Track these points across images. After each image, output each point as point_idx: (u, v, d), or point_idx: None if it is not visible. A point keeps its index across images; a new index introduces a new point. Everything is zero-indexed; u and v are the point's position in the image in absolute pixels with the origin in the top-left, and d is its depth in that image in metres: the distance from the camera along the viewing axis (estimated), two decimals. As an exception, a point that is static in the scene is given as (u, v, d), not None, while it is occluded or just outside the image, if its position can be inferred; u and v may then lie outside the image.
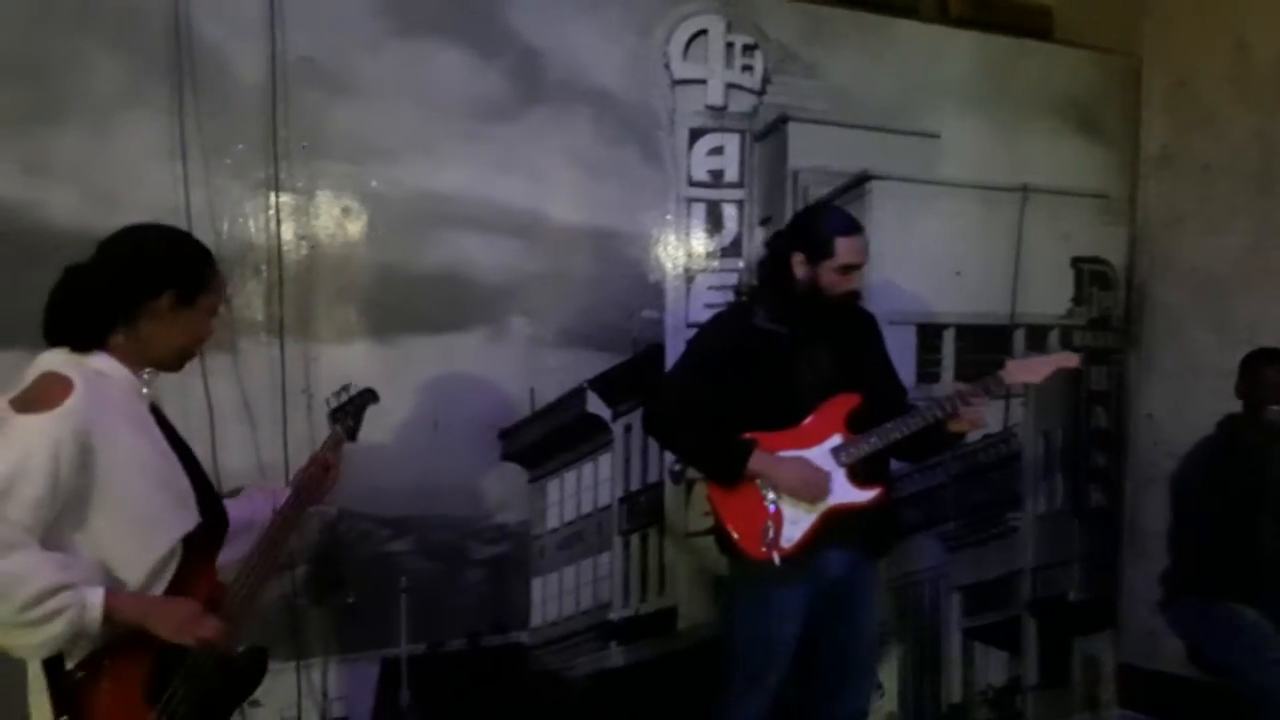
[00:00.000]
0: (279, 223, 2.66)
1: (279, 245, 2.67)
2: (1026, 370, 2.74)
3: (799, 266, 2.69)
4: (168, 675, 1.80)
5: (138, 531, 1.81)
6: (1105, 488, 4.18)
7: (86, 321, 1.82)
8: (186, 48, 2.50)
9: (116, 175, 2.46)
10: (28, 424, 1.70)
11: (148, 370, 1.89)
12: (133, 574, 1.81)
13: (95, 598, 1.71)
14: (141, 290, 1.84)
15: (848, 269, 2.66)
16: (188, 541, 1.86)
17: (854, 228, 2.69)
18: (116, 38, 2.45)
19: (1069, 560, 4.09)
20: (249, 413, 2.65)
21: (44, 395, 1.72)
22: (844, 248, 2.65)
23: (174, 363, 1.94)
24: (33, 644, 1.70)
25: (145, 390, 1.88)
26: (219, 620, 1.83)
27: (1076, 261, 4.02)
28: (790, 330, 2.71)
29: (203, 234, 2.51)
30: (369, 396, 2.31)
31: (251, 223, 2.64)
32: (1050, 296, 3.97)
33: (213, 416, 2.57)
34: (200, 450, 2.12)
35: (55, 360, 1.79)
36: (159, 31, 2.48)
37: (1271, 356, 3.31)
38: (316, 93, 2.67)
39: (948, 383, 3.65)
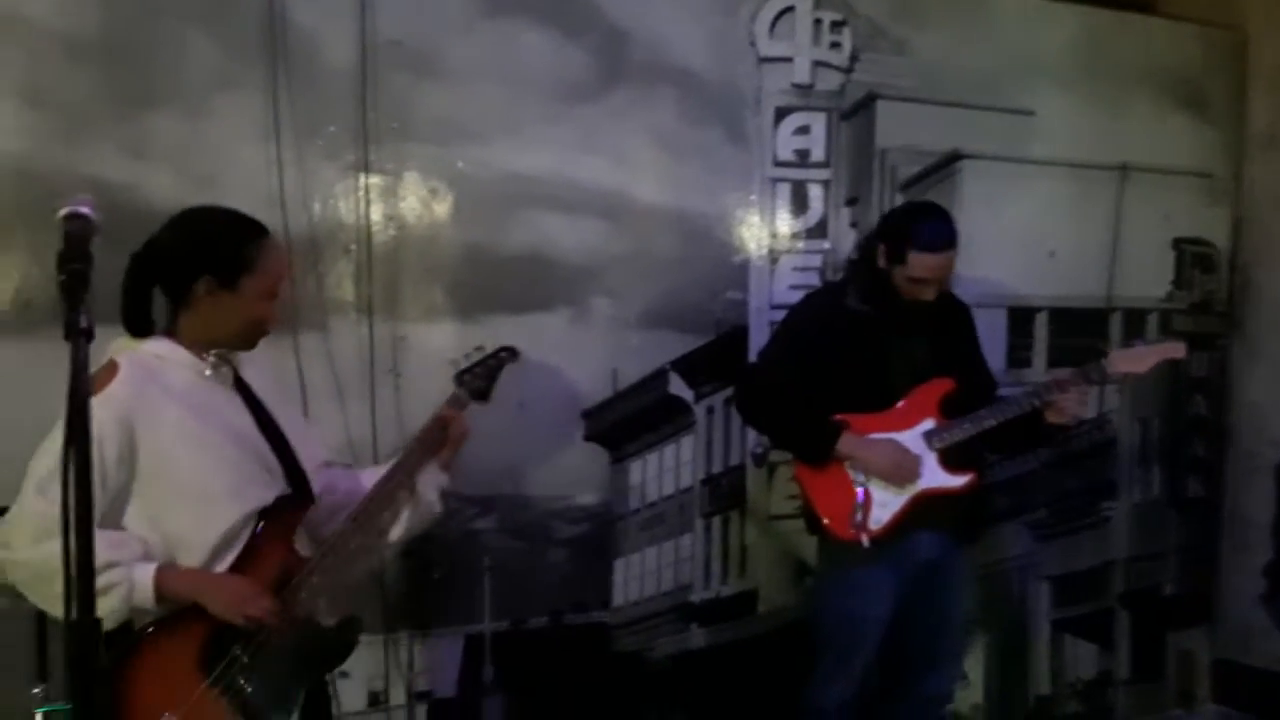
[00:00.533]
0: (368, 204, 2.70)
1: (368, 226, 2.71)
2: (1131, 360, 2.66)
3: (881, 257, 2.66)
4: (226, 643, 1.83)
5: (194, 508, 1.85)
6: (1204, 477, 4.02)
7: (134, 309, 1.87)
8: (281, 31, 2.55)
9: (213, 158, 2.52)
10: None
11: (214, 351, 1.92)
12: (194, 549, 1.85)
13: (145, 575, 1.77)
14: (177, 277, 1.88)
15: (918, 281, 2.60)
16: (264, 515, 1.89)
17: (936, 245, 2.58)
18: (213, 22, 2.51)
19: (1164, 552, 3.96)
20: (339, 390, 2.70)
21: (102, 378, 1.78)
22: (916, 262, 2.58)
23: (239, 344, 1.95)
24: None
25: (208, 372, 1.91)
26: (271, 600, 1.84)
27: (1178, 243, 3.87)
28: (883, 313, 2.67)
29: (295, 215, 2.60)
30: (506, 356, 2.24)
31: (342, 204, 2.69)
32: (1149, 279, 3.83)
33: (305, 394, 2.62)
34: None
35: (116, 347, 1.87)
36: (254, 15, 2.53)
37: None
38: (405, 75, 2.70)
39: (1039, 368, 3.56)
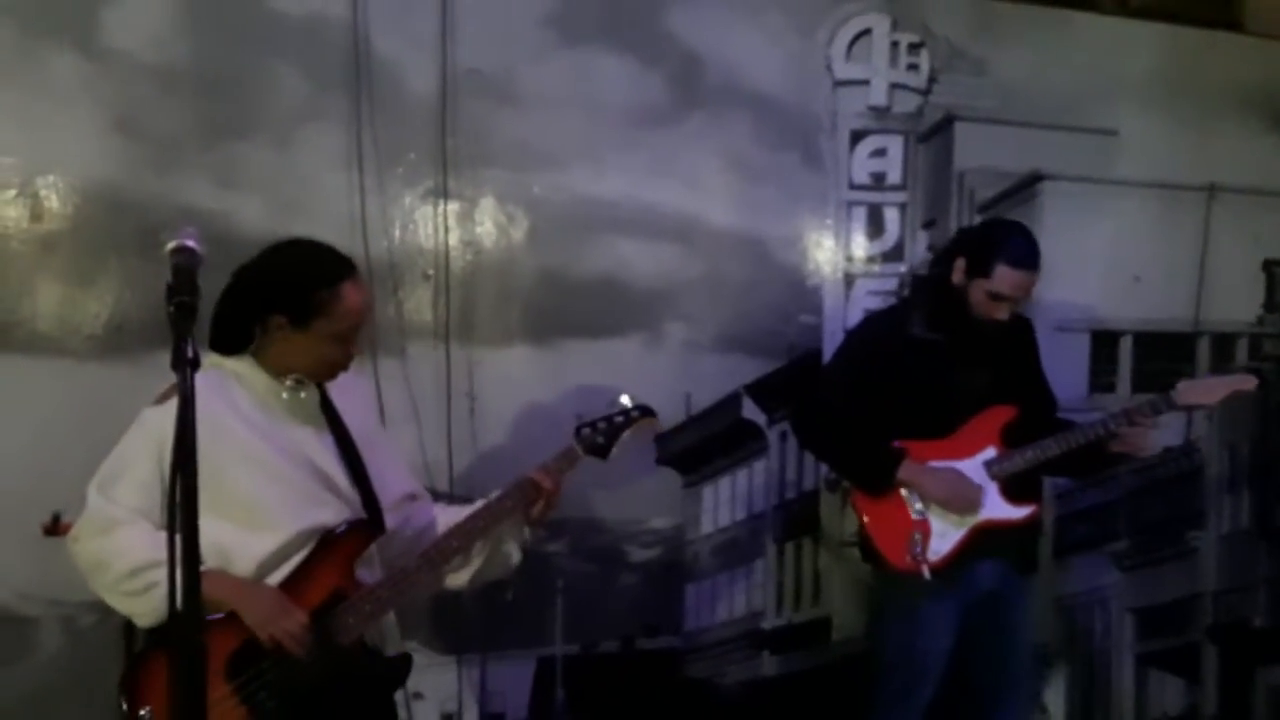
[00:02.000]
0: (446, 229, 2.74)
1: (446, 251, 2.75)
2: (1200, 391, 2.60)
3: (958, 272, 2.60)
4: (258, 655, 1.84)
5: (245, 521, 1.88)
6: (1296, 508, 3.88)
7: (221, 330, 1.93)
8: (364, 62, 2.61)
9: (298, 185, 2.59)
10: (144, 416, 1.86)
11: (293, 376, 1.94)
12: (242, 561, 1.88)
13: None
14: (254, 310, 1.91)
15: (999, 298, 2.54)
16: (325, 537, 1.91)
17: (1023, 261, 2.54)
18: (299, 53, 2.58)
19: (1254, 584, 3.81)
20: (416, 414, 2.74)
21: (167, 392, 1.81)
22: (1002, 277, 2.52)
23: (312, 376, 1.97)
24: (135, 613, 1.84)
25: (285, 395, 1.94)
26: (300, 623, 1.84)
27: (1269, 265, 3.74)
28: (945, 339, 2.62)
29: (375, 241, 2.65)
30: (637, 416, 2.12)
31: (421, 230, 2.74)
32: (1238, 303, 3.71)
33: (383, 417, 2.66)
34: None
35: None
36: (339, 46, 2.60)
37: None
38: (483, 103, 2.74)
39: (1123, 394, 3.46)
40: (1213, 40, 3.62)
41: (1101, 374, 3.47)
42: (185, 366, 1.31)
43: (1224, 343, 3.65)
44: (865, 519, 2.66)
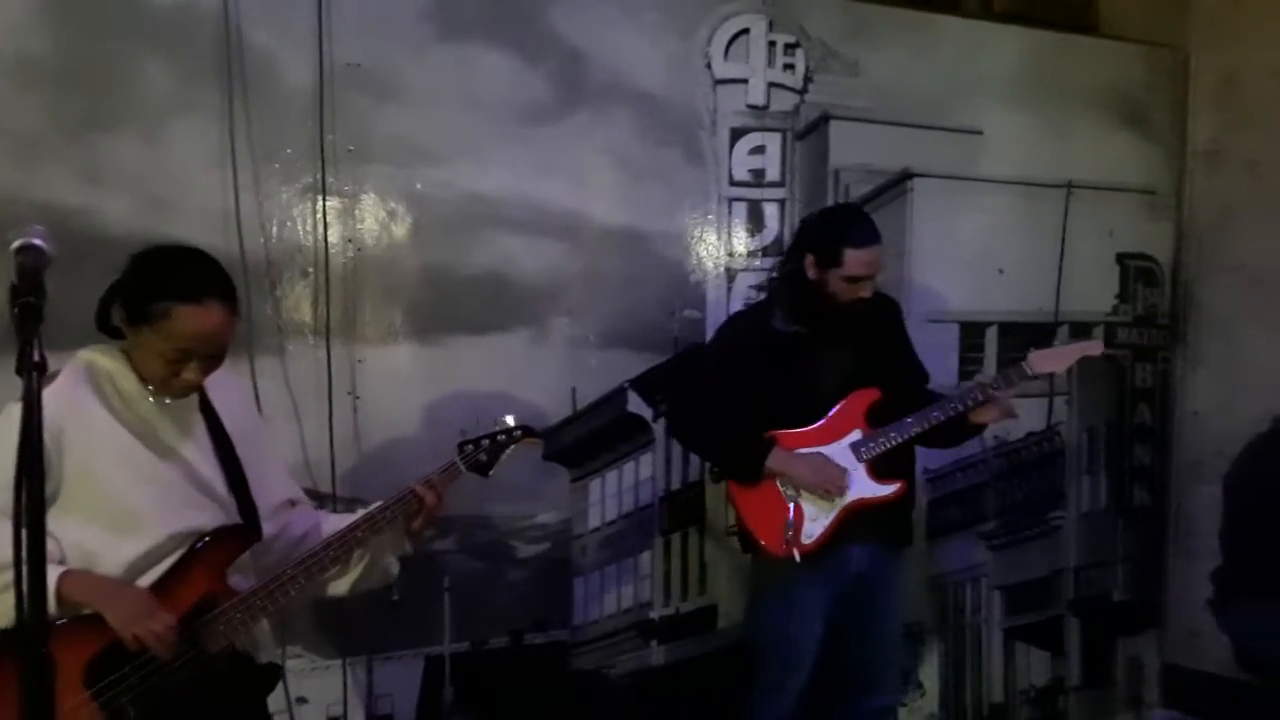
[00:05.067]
0: (325, 226, 2.70)
1: (325, 248, 2.70)
2: (1050, 360, 2.72)
3: (810, 268, 2.68)
4: (121, 660, 1.80)
5: (113, 523, 1.83)
6: (1149, 486, 4.13)
7: (99, 312, 1.88)
8: (237, 55, 2.54)
9: (169, 181, 2.50)
10: (8, 412, 1.73)
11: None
12: (110, 564, 1.83)
13: (50, 576, 1.73)
14: (109, 296, 1.87)
15: (855, 280, 2.64)
16: (197, 542, 1.87)
17: (866, 240, 2.64)
18: (168, 45, 2.49)
19: (1112, 559, 4.05)
20: (297, 413, 2.69)
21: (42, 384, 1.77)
22: (852, 260, 2.61)
23: (157, 385, 1.88)
24: None
25: (150, 400, 1.89)
26: (166, 625, 1.80)
27: (1122, 258, 3.98)
28: (808, 330, 2.71)
29: (251, 238, 2.59)
30: (520, 435, 2.12)
31: (299, 226, 2.68)
32: (1095, 293, 3.93)
33: (261, 416, 2.61)
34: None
35: (78, 355, 1.87)
36: (210, 39, 2.52)
37: None
38: (363, 98, 2.70)
39: (990, 381, 3.62)
40: (1070, 43, 3.81)
41: (970, 362, 3.63)
42: (30, 371, 1.27)
43: (1082, 331, 3.86)
44: (741, 508, 2.74)
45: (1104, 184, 3.88)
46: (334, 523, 2.07)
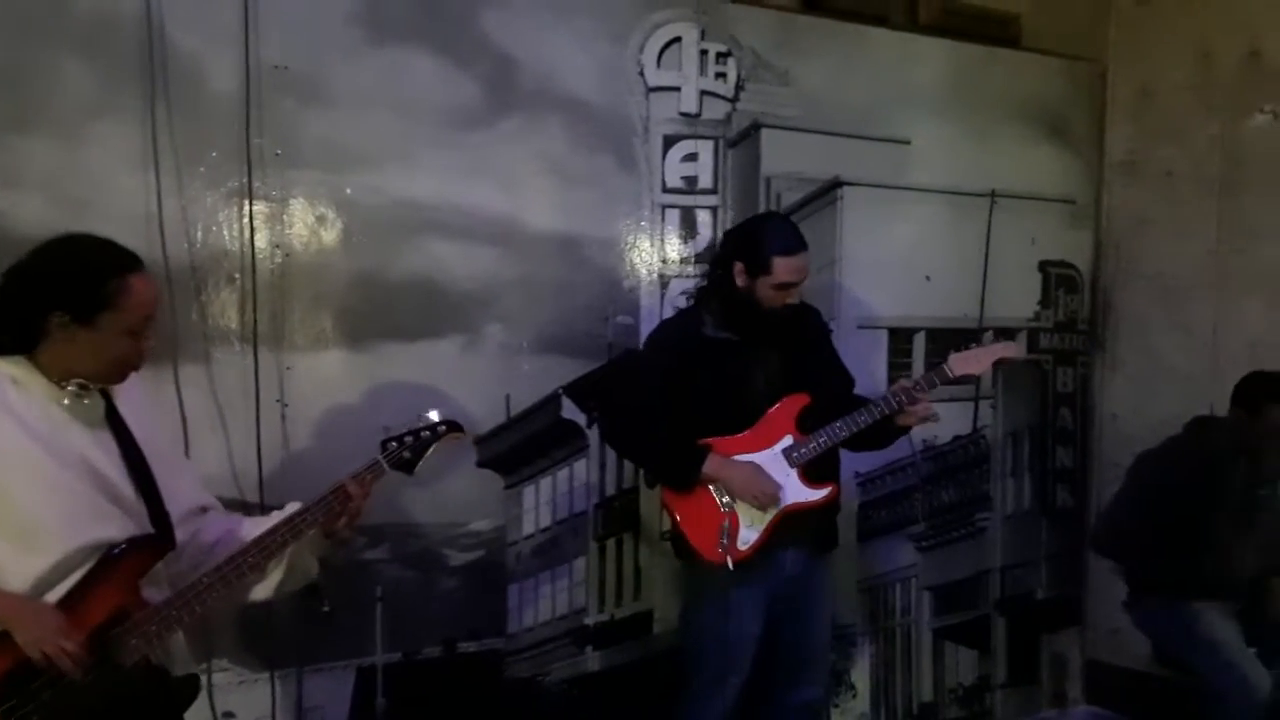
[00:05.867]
0: (253, 231, 2.65)
1: (252, 254, 2.66)
2: (970, 361, 2.79)
3: (739, 276, 2.72)
4: (32, 677, 1.75)
5: (19, 536, 1.79)
6: (1071, 487, 4.25)
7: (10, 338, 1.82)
8: (159, 56, 2.49)
9: (88, 184, 2.44)
10: None
11: (75, 381, 1.85)
12: (16, 578, 1.79)
13: None
14: (31, 309, 1.81)
15: (784, 287, 2.68)
16: (107, 554, 1.82)
17: (794, 247, 2.69)
18: (88, 46, 2.43)
19: (1036, 559, 4.15)
20: (223, 421, 2.64)
21: None
22: (781, 267, 2.66)
23: (100, 379, 1.88)
24: None
25: (66, 401, 1.84)
26: (76, 642, 1.76)
27: (1043, 265, 4.09)
28: (738, 337, 2.74)
29: (175, 243, 2.54)
30: (444, 431, 2.07)
31: (225, 231, 2.63)
32: (1018, 300, 4.03)
33: (186, 426, 2.56)
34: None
35: None
36: (131, 40, 2.47)
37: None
38: (290, 101, 2.66)
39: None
40: (994, 56, 3.91)
41: (899, 367, 3.70)
42: None
43: (1006, 336, 3.93)
44: (676, 516, 2.75)
45: (1026, 193, 3.99)
46: (252, 526, 2.03)
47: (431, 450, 2.08)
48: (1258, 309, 3.74)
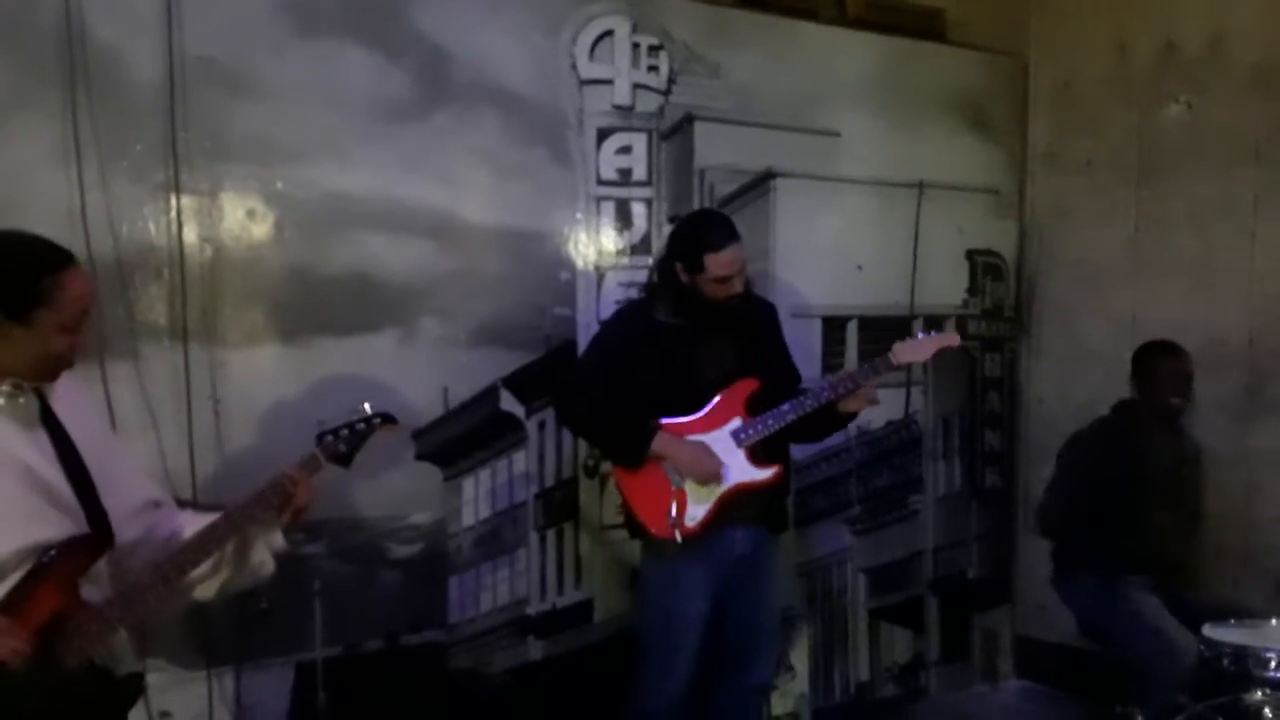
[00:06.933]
0: (180, 225, 2.62)
1: (180, 248, 2.62)
2: (912, 351, 2.86)
3: (681, 274, 2.79)
4: None
5: None
6: (1000, 469, 4.36)
7: None
8: (79, 48, 2.44)
9: (7, 180, 2.39)
10: None
11: (10, 381, 1.82)
12: None
13: None
14: None
15: (722, 280, 2.75)
16: (44, 555, 1.80)
17: (721, 242, 2.73)
18: (3, 38, 2.38)
19: (967, 539, 4.27)
20: (153, 420, 2.60)
21: None
22: (714, 264, 2.72)
23: (34, 377, 1.85)
24: None
25: (2, 401, 1.82)
26: (21, 642, 1.74)
27: (970, 254, 4.19)
28: (690, 323, 2.80)
29: (99, 238, 2.49)
30: (379, 423, 2.07)
31: (152, 225, 2.59)
32: (946, 288, 4.13)
33: (115, 425, 2.51)
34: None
35: None
36: (49, 32, 2.42)
37: (1163, 349, 3.49)
38: (218, 93, 2.63)
39: (851, 373, 3.76)
40: (920, 50, 3.99)
41: (833, 354, 3.77)
42: None
43: (935, 324, 4.03)
44: (627, 493, 2.80)
45: (953, 184, 4.08)
46: (191, 522, 2.00)
47: (367, 443, 2.08)
48: (1174, 294, 3.87)
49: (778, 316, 3.06)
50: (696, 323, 2.80)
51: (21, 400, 1.84)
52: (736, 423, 2.79)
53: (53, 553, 1.81)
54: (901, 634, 4.10)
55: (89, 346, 2.17)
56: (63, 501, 1.85)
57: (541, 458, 3.22)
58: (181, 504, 2.49)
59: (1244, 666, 2.76)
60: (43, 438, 1.87)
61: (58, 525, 1.83)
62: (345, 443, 2.05)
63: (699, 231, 2.80)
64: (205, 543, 1.93)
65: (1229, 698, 2.74)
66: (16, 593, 1.78)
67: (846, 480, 3.89)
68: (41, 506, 1.83)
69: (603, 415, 2.83)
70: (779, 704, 3.53)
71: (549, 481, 3.25)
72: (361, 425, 2.06)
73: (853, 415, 2.88)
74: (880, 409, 3.84)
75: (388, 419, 2.09)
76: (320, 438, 2.05)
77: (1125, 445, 3.44)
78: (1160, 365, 3.47)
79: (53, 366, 1.87)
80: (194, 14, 2.58)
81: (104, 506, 1.89)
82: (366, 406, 2.08)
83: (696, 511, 2.75)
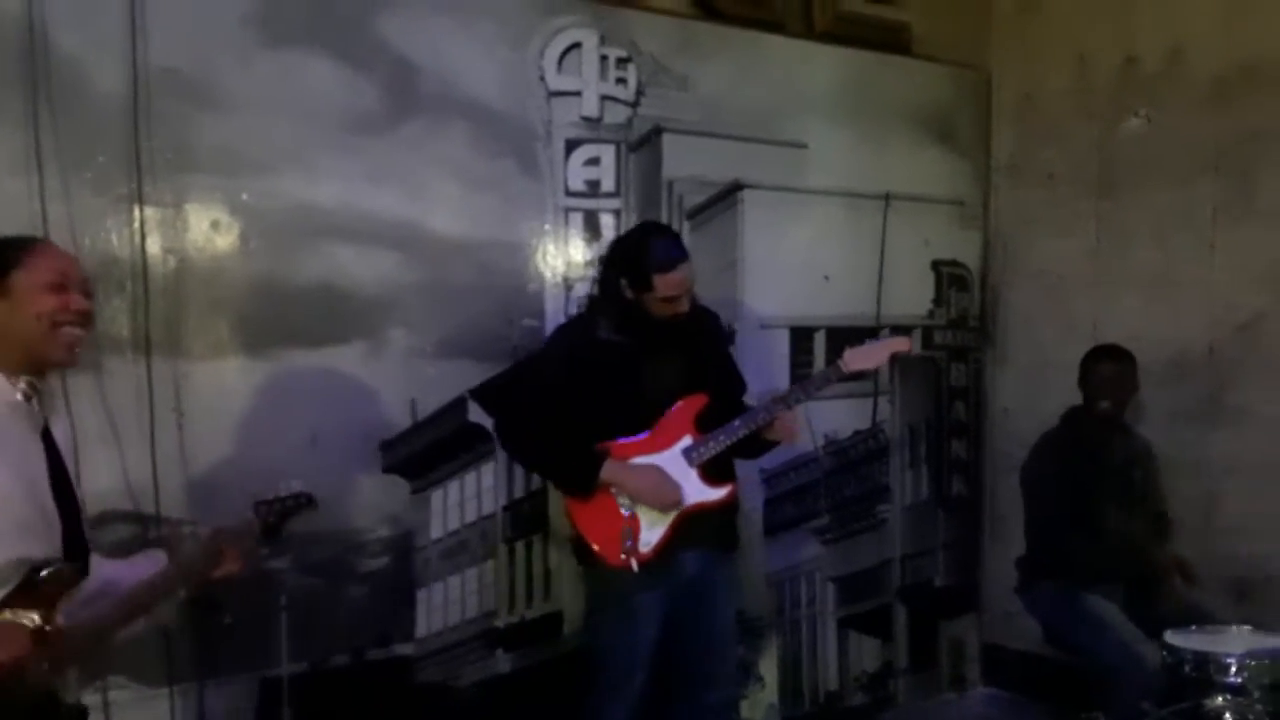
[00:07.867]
0: (144, 237, 2.59)
1: (144, 260, 2.60)
2: (864, 357, 2.86)
3: (626, 290, 2.72)
4: None
5: None
6: (966, 478, 4.40)
7: None
8: (42, 58, 2.41)
9: (-33, 189, 2.35)
10: None
11: (26, 379, 1.83)
12: None
13: None
14: None
15: (669, 299, 2.69)
16: (29, 578, 1.78)
17: (672, 262, 2.66)
18: (-36, 47, 2.35)
19: (934, 548, 4.30)
20: (116, 434, 2.57)
21: None
22: (661, 284, 2.66)
23: (41, 351, 1.85)
24: None
25: (18, 396, 1.82)
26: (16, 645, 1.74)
27: (936, 265, 4.23)
28: (633, 340, 2.75)
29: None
30: (304, 502, 2.24)
31: (115, 237, 2.57)
32: (912, 298, 4.17)
33: (76, 438, 2.47)
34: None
35: None
36: (10, 40, 2.39)
37: (1102, 353, 3.56)
38: (182, 104, 2.61)
39: (819, 383, 3.79)
40: (885, 63, 4.03)
41: (800, 365, 3.79)
42: None
43: (902, 334, 4.06)
44: (577, 520, 2.77)
45: (918, 195, 4.13)
46: (119, 573, 2.02)
47: (290, 520, 2.21)
48: (1135, 304, 3.93)
49: (721, 325, 3.03)
50: (640, 339, 2.74)
51: (32, 407, 1.85)
52: (687, 440, 2.76)
53: (43, 574, 1.79)
54: (870, 643, 4.12)
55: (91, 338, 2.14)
56: (49, 518, 1.85)
57: (510, 469, 3.21)
58: (144, 523, 2.50)
59: (1205, 672, 2.79)
60: (42, 450, 1.87)
61: (42, 544, 1.82)
62: (276, 516, 2.17)
63: (648, 250, 2.69)
64: (147, 595, 1.95)
65: (1191, 703, 2.77)
66: (4, 605, 1.76)
67: (815, 490, 3.90)
68: (34, 520, 1.82)
69: (547, 446, 2.76)
70: (748, 713, 3.53)
71: (517, 493, 3.24)
72: (290, 502, 2.20)
73: (776, 442, 2.85)
74: (848, 418, 3.90)
75: (311, 502, 2.24)
76: (257, 507, 2.16)
77: (1074, 452, 3.48)
78: (1095, 370, 3.54)
79: (52, 330, 1.84)
80: (158, 25, 2.55)
81: (85, 534, 1.88)
82: (295, 484, 2.22)
83: (650, 537, 2.71)
